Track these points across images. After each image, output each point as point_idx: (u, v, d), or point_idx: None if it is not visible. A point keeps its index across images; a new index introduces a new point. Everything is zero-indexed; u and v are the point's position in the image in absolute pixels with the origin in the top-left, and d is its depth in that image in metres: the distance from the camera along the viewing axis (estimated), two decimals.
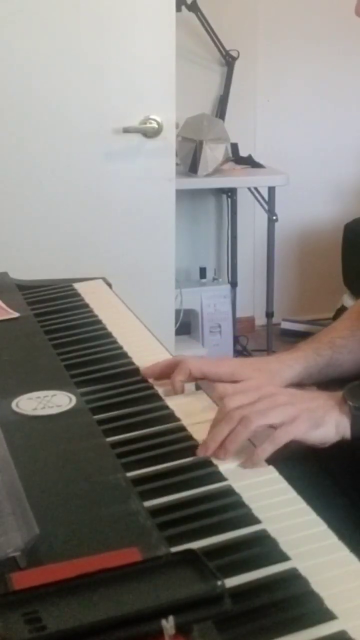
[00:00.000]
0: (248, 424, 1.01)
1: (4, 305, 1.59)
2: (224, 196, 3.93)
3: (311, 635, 0.71)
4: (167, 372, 1.25)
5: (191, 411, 1.16)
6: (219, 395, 1.13)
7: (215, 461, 1.01)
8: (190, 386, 1.24)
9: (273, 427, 1.03)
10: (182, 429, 1.10)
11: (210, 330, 3.71)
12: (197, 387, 1.25)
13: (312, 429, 1.03)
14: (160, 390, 1.22)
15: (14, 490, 0.91)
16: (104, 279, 1.79)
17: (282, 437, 1.01)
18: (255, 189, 3.68)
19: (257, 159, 3.75)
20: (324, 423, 1.04)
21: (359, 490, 1.19)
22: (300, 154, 3.93)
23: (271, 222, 3.65)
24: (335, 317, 3.03)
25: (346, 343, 1.32)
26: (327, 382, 1.31)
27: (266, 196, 3.64)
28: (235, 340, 3.81)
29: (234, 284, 3.93)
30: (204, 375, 1.24)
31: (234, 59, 3.71)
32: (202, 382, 1.25)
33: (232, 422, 1.02)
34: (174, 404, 1.18)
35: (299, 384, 1.29)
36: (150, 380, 1.26)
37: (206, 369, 1.24)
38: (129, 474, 0.98)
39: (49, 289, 1.71)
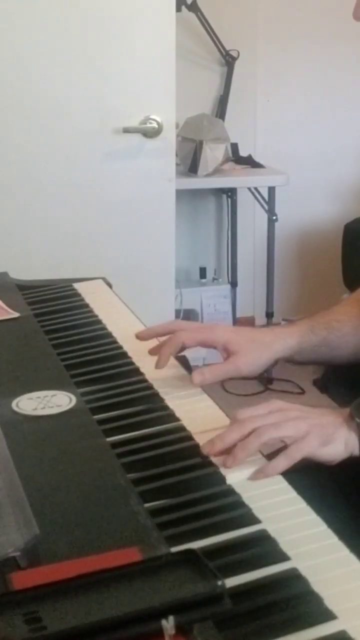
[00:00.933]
0: (260, 434, 1.00)
1: (4, 305, 1.59)
2: (224, 196, 3.93)
3: (311, 635, 0.71)
4: (161, 336, 1.29)
5: (191, 411, 1.16)
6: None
7: (215, 460, 1.00)
8: (195, 392, 1.22)
9: (283, 441, 1.02)
10: (182, 429, 1.10)
11: None
12: (202, 391, 1.23)
13: (323, 446, 1.02)
14: (160, 391, 1.22)
15: (14, 490, 0.91)
16: (104, 279, 1.79)
17: (296, 453, 1.00)
18: (255, 189, 3.68)
19: (257, 159, 3.75)
20: (333, 440, 1.03)
21: None
22: (300, 154, 3.92)
23: (271, 222, 3.65)
24: None
25: (341, 327, 1.33)
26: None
27: (266, 196, 3.64)
28: None
29: (234, 284, 3.93)
30: (197, 343, 1.27)
31: (234, 59, 3.70)
32: (203, 384, 1.24)
33: (244, 430, 1.01)
34: (174, 404, 1.18)
35: (290, 359, 1.31)
36: (147, 353, 1.28)
37: (200, 337, 1.27)
38: (129, 474, 0.98)
39: (49, 289, 1.71)
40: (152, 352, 1.29)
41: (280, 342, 1.29)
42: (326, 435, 1.03)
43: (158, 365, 1.25)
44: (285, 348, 1.29)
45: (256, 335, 1.29)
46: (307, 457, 1.02)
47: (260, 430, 1.01)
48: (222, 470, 0.99)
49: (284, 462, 0.99)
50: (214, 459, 1.01)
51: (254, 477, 0.98)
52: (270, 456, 1.01)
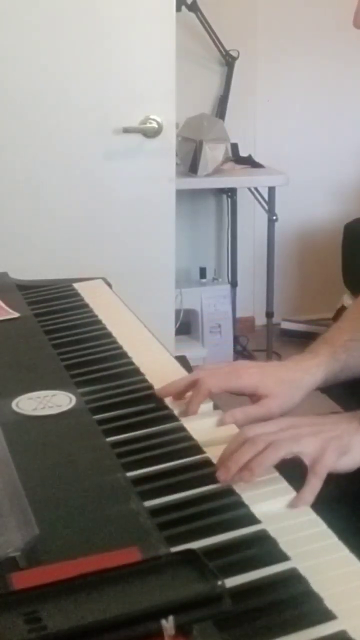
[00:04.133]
0: (278, 448, 0.97)
1: (4, 305, 1.59)
2: (224, 196, 3.93)
3: (311, 635, 0.71)
4: (185, 392, 1.19)
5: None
6: (230, 419, 1.11)
7: (215, 461, 1.00)
8: (207, 406, 1.18)
9: (299, 456, 0.99)
10: (182, 429, 1.10)
11: (210, 330, 3.71)
12: (215, 407, 1.19)
13: (341, 457, 1.00)
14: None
15: (14, 490, 0.91)
16: (104, 279, 1.79)
17: (322, 469, 0.97)
18: (255, 189, 3.68)
19: (257, 159, 3.75)
20: (350, 449, 1.01)
21: None
22: (300, 154, 3.93)
23: (271, 222, 3.65)
24: (335, 317, 3.03)
25: (358, 346, 1.28)
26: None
27: (266, 196, 3.64)
28: (235, 340, 3.81)
29: (234, 284, 3.93)
30: (224, 391, 1.19)
31: (234, 59, 3.70)
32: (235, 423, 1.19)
33: (257, 447, 0.98)
34: (174, 404, 1.18)
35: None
36: (166, 400, 1.20)
37: (225, 384, 1.19)
38: (129, 474, 0.98)
39: (49, 289, 1.71)
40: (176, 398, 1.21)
41: (309, 378, 1.23)
42: (342, 446, 1.00)
43: (188, 414, 1.16)
44: (315, 383, 1.23)
45: (284, 375, 1.22)
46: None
47: (277, 444, 0.98)
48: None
49: (315, 481, 0.96)
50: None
51: (292, 505, 0.93)
52: (283, 469, 0.98)
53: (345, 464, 1.01)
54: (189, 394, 1.18)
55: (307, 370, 1.23)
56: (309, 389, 1.22)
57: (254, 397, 1.19)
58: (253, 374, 1.20)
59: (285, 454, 0.97)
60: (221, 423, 1.13)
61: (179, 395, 1.19)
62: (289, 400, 1.20)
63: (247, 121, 3.86)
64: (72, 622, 0.66)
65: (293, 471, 0.99)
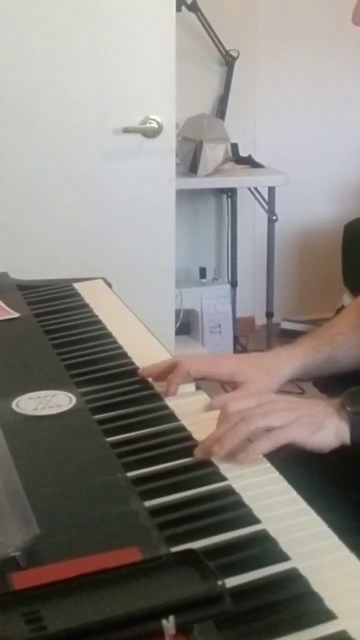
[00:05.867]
0: (248, 422, 1.02)
1: (4, 305, 1.59)
2: (224, 196, 3.93)
3: (311, 635, 0.71)
4: (166, 373, 1.24)
5: (191, 411, 1.16)
6: (219, 403, 1.13)
7: (215, 461, 1.00)
8: (190, 387, 1.24)
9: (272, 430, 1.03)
10: (182, 429, 1.10)
11: (210, 331, 3.71)
12: (197, 387, 1.25)
13: (312, 434, 1.03)
14: (160, 391, 1.22)
15: (14, 490, 0.91)
16: (104, 279, 1.79)
17: (281, 437, 1.01)
18: (255, 189, 3.68)
19: (257, 159, 3.75)
20: (323, 428, 1.04)
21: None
22: (300, 154, 3.92)
23: (271, 222, 3.65)
24: None
25: (345, 340, 1.33)
26: (325, 379, 1.31)
27: (266, 196, 3.64)
28: (235, 340, 3.81)
29: (234, 284, 3.93)
30: (203, 376, 1.24)
31: (234, 59, 3.70)
32: (202, 382, 1.25)
33: (230, 422, 1.03)
34: (174, 404, 1.18)
35: (296, 380, 1.30)
36: (149, 379, 1.26)
37: (204, 370, 1.24)
38: (129, 474, 0.98)
39: (49, 289, 1.71)
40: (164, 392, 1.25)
41: (286, 366, 1.27)
42: (315, 424, 1.04)
43: (169, 394, 1.21)
44: (292, 372, 1.28)
45: (262, 362, 1.28)
46: (297, 444, 1.02)
47: (247, 418, 1.02)
48: (214, 461, 0.99)
49: (267, 443, 1.00)
50: (215, 460, 1.00)
51: (238, 458, 0.99)
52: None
53: (316, 441, 1.04)
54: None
55: (285, 359, 1.28)
56: (286, 377, 1.27)
57: (233, 385, 1.24)
58: (230, 363, 1.27)
59: (255, 427, 1.02)
60: (210, 407, 1.17)
61: (159, 377, 1.25)
62: (266, 385, 1.24)
63: (247, 121, 3.86)
64: (72, 622, 0.66)
65: (295, 471, 1.00)
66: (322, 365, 1.30)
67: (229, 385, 1.26)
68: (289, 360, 1.28)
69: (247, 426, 1.01)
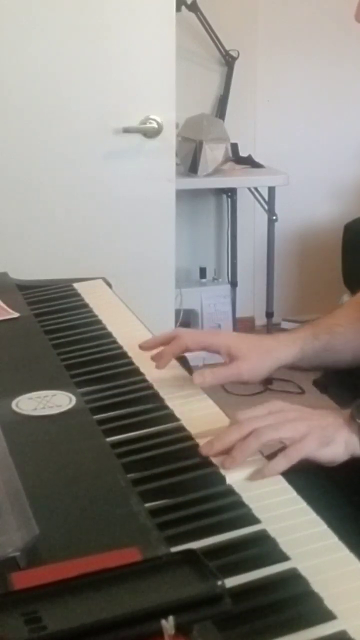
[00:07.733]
0: (259, 436, 1.00)
1: (4, 305, 1.59)
2: (224, 196, 3.93)
3: (311, 635, 0.71)
4: (165, 345, 1.27)
5: (191, 411, 1.16)
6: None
7: (214, 461, 1.00)
8: (190, 388, 1.22)
9: (282, 443, 1.02)
10: (182, 429, 1.10)
11: None
12: (190, 373, 1.25)
13: (322, 447, 1.02)
14: (160, 391, 1.22)
15: (14, 490, 0.91)
16: (104, 279, 1.79)
17: (295, 454, 1.00)
18: (255, 189, 3.68)
19: (257, 159, 3.75)
20: (334, 441, 1.03)
21: None
22: (300, 154, 3.92)
23: (271, 222, 3.65)
24: None
25: (344, 331, 1.33)
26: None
27: (266, 196, 3.64)
28: None
29: (234, 284, 3.93)
30: (201, 347, 1.26)
31: (234, 59, 3.70)
32: (203, 386, 1.24)
33: (242, 432, 1.01)
34: (174, 404, 1.18)
35: (293, 366, 1.31)
36: (147, 353, 1.28)
37: (202, 341, 1.27)
38: (129, 474, 0.98)
39: (49, 289, 1.71)
40: (154, 357, 1.28)
41: (283, 349, 1.28)
42: (326, 437, 1.03)
43: (159, 365, 1.25)
44: (288, 355, 1.28)
45: (259, 342, 1.29)
46: (307, 458, 1.02)
47: (258, 431, 1.01)
48: (222, 471, 0.98)
49: (282, 462, 0.99)
50: (213, 459, 1.00)
51: (253, 477, 0.98)
52: (270, 457, 1.01)
53: (326, 455, 1.03)
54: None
55: (283, 342, 1.30)
56: (280, 360, 1.28)
57: (227, 358, 1.25)
58: (230, 336, 1.32)
59: (266, 440, 1.01)
60: (191, 381, 1.20)
61: (158, 345, 1.28)
62: (260, 365, 1.25)
63: (247, 121, 3.86)
64: (72, 622, 0.66)
65: (297, 475, 1.00)
66: (321, 353, 1.31)
67: (223, 356, 1.26)
68: (286, 344, 1.29)
69: (258, 439, 1.00)
